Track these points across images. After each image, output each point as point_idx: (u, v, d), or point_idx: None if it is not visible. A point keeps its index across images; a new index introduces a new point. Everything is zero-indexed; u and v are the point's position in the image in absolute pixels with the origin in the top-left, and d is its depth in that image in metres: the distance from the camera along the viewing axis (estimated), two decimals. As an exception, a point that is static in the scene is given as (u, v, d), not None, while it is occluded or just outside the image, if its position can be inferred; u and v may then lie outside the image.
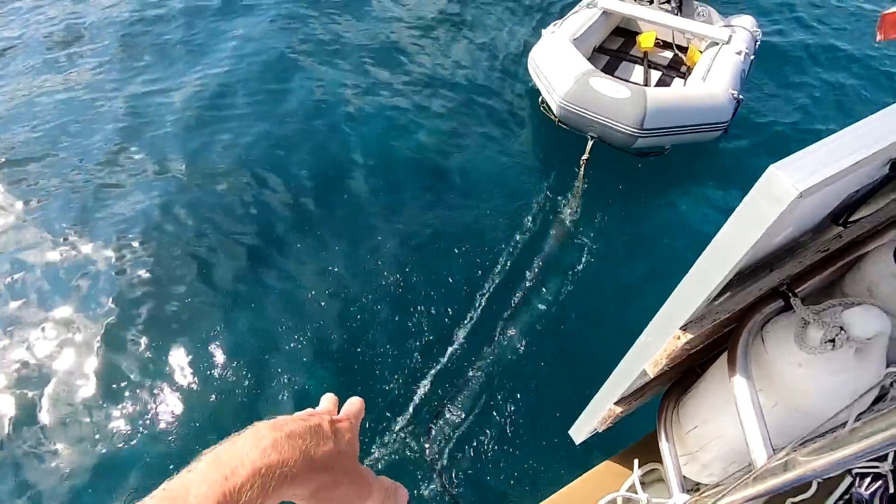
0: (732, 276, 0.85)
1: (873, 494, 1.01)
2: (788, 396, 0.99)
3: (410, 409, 3.05)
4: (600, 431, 1.58)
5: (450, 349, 3.30)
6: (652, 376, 1.12)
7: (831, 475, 0.95)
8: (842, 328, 0.89)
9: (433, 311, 3.44)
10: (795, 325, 0.97)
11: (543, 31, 4.80)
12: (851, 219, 1.15)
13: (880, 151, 0.70)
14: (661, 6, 5.13)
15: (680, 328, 0.95)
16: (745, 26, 4.92)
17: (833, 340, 0.89)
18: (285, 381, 3.16)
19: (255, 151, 4.50)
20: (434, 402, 3.09)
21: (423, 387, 3.14)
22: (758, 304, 1.06)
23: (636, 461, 1.52)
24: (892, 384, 0.95)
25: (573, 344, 3.33)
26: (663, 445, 1.40)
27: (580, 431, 1.61)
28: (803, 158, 0.68)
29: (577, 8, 5.08)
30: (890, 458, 0.98)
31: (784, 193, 0.66)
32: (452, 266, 3.68)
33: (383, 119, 4.80)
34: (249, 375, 3.18)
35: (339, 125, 4.75)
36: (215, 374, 3.19)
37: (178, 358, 3.25)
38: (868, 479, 1.01)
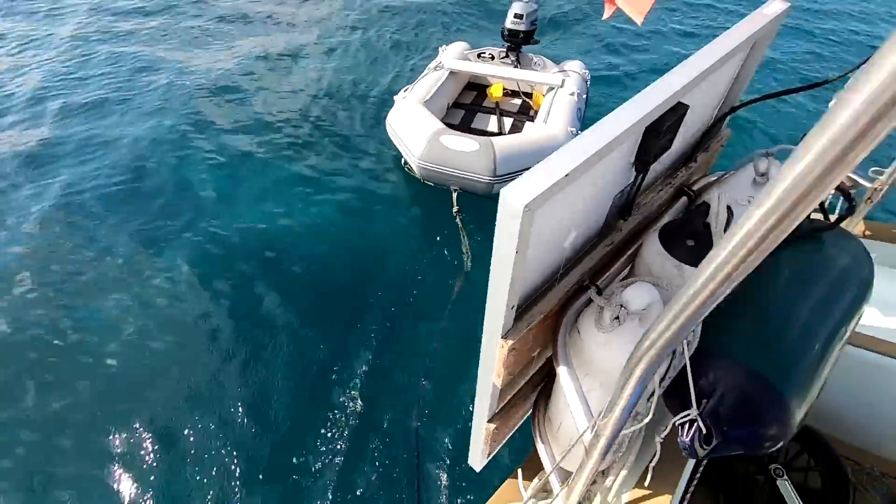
0: (519, 283, 0.99)
1: (692, 439, 1.17)
2: (602, 376, 1.14)
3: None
4: (490, 453, 1.65)
5: (355, 411, 3.25)
6: (501, 387, 1.22)
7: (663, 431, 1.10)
8: (622, 305, 1.06)
9: (333, 384, 3.39)
10: (595, 312, 1.14)
11: (395, 97, 5.19)
12: (629, 215, 1.39)
13: (587, 161, 0.89)
14: (502, 61, 5.81)
15: (501, 338, 1.07)
16: (575, 70, 5.70)
17: (618, 317, 1.06)
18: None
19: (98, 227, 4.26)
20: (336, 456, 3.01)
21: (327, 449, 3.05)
22: (570, 301, 1.23)
23: (519, 472, 1.60)
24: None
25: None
26: (539, 447, 1.50)
27: (475, 458, 1.66)
28: (527, 178, 0.84)
29: (425, 71, 5.58)
30: (694, 404, 1.15)
31: (515, 210, 0.80)
32: (361, 330, 3.69)
33: (253, 200, 4.78)
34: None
35: (196, 198, 4.68)
36: None
37: None
38: (686, 427, 1.17)
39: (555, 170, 0.84)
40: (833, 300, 1.33)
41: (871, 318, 2.20)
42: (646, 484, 1.49)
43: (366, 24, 7.98)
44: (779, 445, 1.21)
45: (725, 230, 1.13)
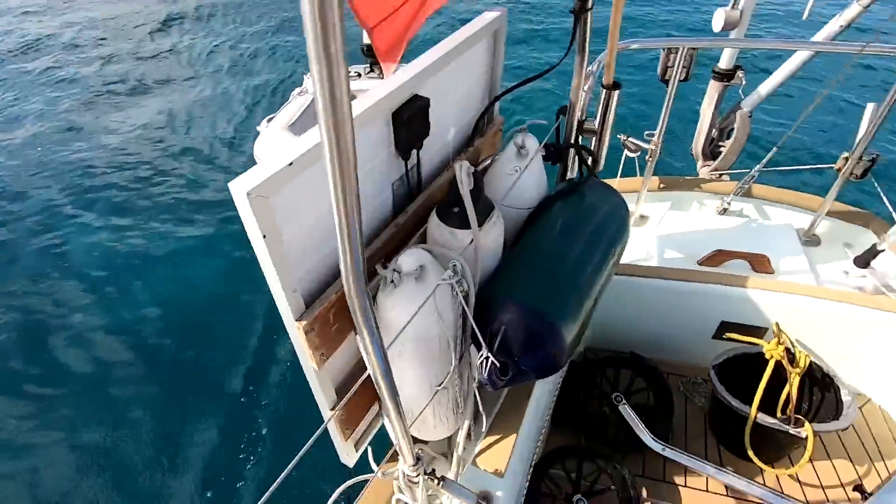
0: (293, 267, 1.11)
1: (490, 373, 1.36)
2: (406, 336, 1.28)
3: None
4: (359, 446, 1.72)
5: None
6: (318, 369, 1.32)
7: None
8: (395, 270, 1.23)
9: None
10: (383, 283, 1.30)
11: (258, 127, 5.18)
12: (416, 197, 1.58)
13: (315, 150, 1.04)
14: (369, 76, 6.02)
15: (296, 321, 1.18)
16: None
17: (393, 281, 1.22)
18: None
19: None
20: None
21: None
22: (369, 279, 1.38)
23: (369, 449, 1.68)
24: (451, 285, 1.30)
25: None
26: (385, 422, 1.62)
27: (343, 454, 1.72)
28: (255, 168, 0.97)
29: (290, 98, 5.62)
30: (484, 344, 1.34)
31: (240, 198, 0.93)
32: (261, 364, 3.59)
33: (106, 265, 4.47)
34: None
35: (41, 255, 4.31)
36: None
37: None
38: (483, 365, 1.36)
39: (280, 159, 0.98)
40: (595, 242, 1.61)
41: (670, 253, 2.61)
42: (483, 429, 1.67)
43: (218, 64, 7.82)
44: (563, 365, 1.43)
45: (473, 193, 1.35)
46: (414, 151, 1.43)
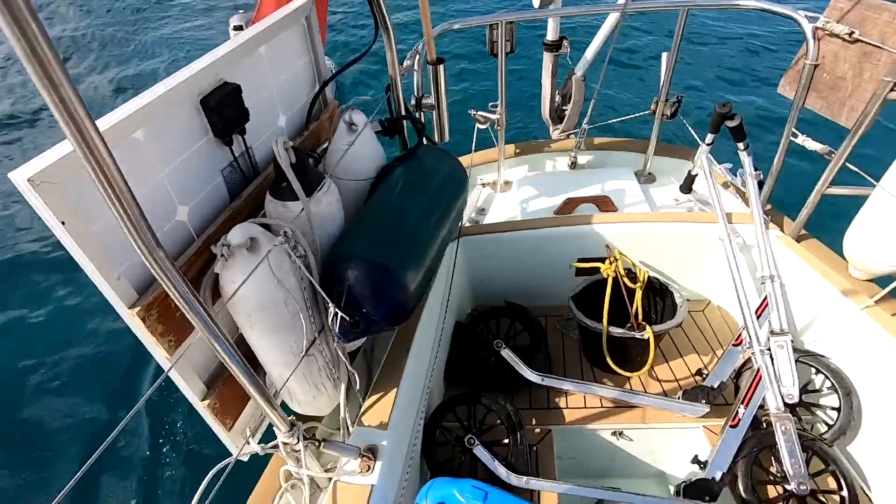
0: (106, 253, 1.13)
1: (341, 328, 1.47)
2: (251, 307, 1.36)
3: None
4: (249, 434, 1.74)
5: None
6: (171, 356, 1.35)
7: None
8: (224, 244, 1.30)
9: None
10: (218, 260, 1.36)
11: None
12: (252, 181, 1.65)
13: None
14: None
15: (129, 309, 1.21)
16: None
17: (224, 255, 1.29)
18: None
19: None
20: None
21: None
22: (209, 263, 1.43)
23: (247, 430, 1.72)
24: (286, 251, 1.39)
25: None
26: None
27: (231, 446, 1.73)
28: (39, 156, 1.00)
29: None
30: (328, 301, 1.44)
31: (25, 185, 0.96)
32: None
33: None
34: None
35: None
36: None
37: None
38: (334, 320, 1.46)
39: (62, 147, 1.01)
40: (433, 199, 1.77)
41: (532, 209, 2.88)
42: (359, 388, 1.77)
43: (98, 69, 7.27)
44: (410, 311, 1.57)
45: (297, 166, 1.45)
46: (238, 138, 1.51)
